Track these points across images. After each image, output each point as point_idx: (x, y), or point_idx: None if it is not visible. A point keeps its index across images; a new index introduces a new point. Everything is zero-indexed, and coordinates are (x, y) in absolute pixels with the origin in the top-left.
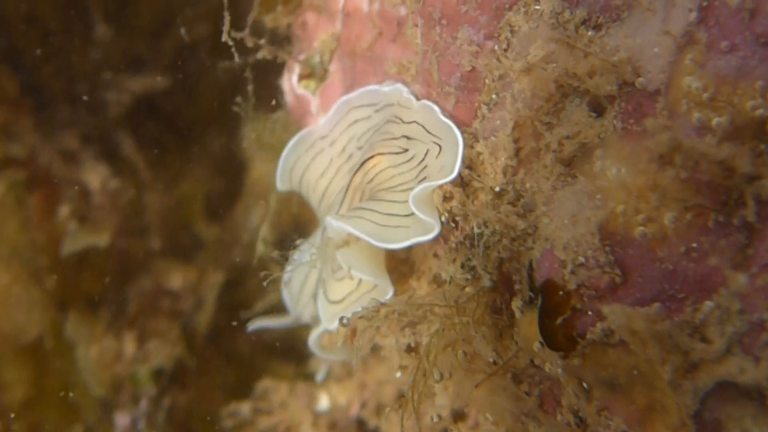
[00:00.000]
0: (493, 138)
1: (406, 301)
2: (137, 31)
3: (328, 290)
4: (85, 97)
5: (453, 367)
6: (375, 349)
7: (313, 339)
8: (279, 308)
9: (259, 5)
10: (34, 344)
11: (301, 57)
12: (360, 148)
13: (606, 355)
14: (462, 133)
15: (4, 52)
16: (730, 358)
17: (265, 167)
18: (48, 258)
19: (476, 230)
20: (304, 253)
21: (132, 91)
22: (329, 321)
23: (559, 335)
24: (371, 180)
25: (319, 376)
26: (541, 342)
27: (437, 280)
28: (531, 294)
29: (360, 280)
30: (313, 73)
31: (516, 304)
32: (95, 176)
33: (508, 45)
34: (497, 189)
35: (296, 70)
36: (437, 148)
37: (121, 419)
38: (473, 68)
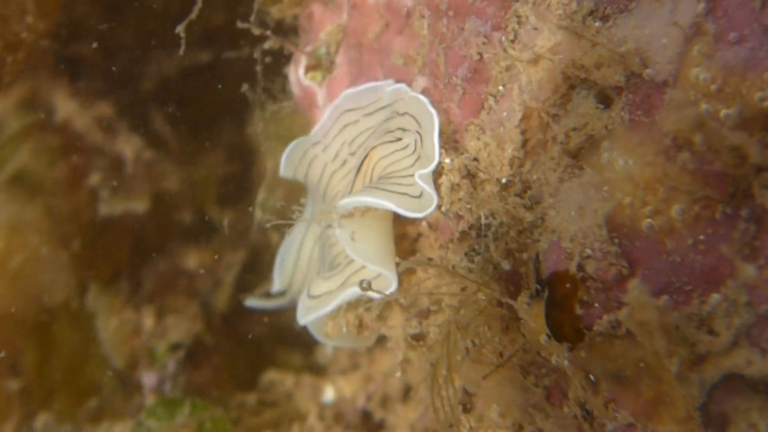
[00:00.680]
0: (500, 129)
1: (413, 291)
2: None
3: (312, 285)
4: (114, 68)
5: (461, 358)
6: (381, 341)
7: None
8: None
9: None
10: (57, 308)
11: (308, 48)
12: (353, 154)
13: (613, 348)
14: (439, 118)
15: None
16: (737, 350)
17: (272, 156)
18: (76, 224)
19: (484, 221)
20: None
21: (163, 68)
22: (302, 314)
23: (566, 327)
24: (371, 178)
25: (329, 350)
26: (548, 334)
27: (444, 272)
28: (538, 286)
29: (343, 282)
30: (320, 65)
31: (522, 300)
32: (129, 147)
33: (516, 36)
34: (504, 180)
35: (303, 61)
36: (420, 138)
37: (148, 378)
38: (480, 59)
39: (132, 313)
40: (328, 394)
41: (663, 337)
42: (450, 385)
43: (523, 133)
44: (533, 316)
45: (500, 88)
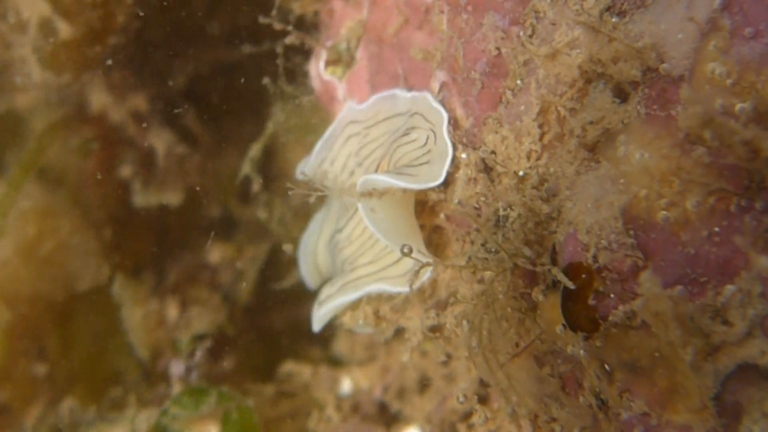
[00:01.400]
0: (517, 123)
1: (431, 283)
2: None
3: (321, 292)
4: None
5: (477, 347)
6: (399, 333)
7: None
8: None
9: None
10: (84, 296)
11: (329, 43)
12: (360, 165)
13: (628, 338)
14: (449, 114)
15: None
16: (752, 340)
17: (294, 150)
18: (106, 213)
19: (501, 212)
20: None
21: (196, 64)
22: (316, 323)
23: (582, 318)
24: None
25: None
26: (563, 324)
27: (461, 263)
28: (554, 277)
29: (343, 285)
30: (340, 60)
31: (538, 292)
32: (161, 140)
33: (533, 31)
34: (521, 173)
35: (323, 56)
36: (434, 134)
37: (176, 367)
38: (498, 54)
39: (156, 303)
40: (345, 385)
41: (678, 327)
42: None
43: (540, 126)
44: (549, 307)
45: (518, 82)
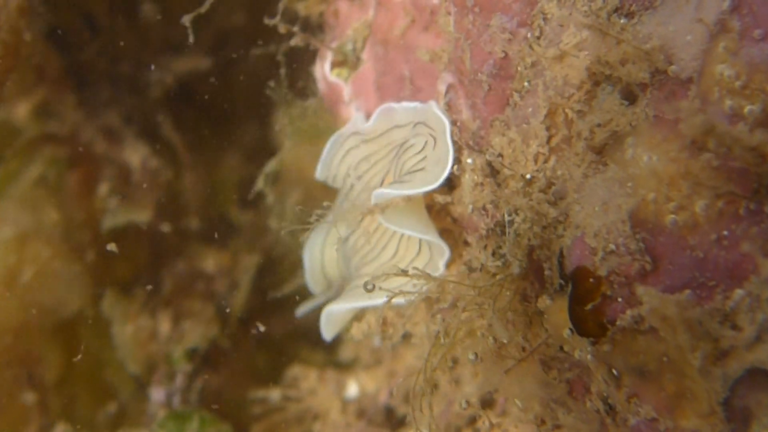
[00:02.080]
0: (524, 125)
1: (437, 287)
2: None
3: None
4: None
5: (483, 352)
6: (405, 337)
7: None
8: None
9: None
10: (72, 319)
11: (334, 45)
12: (359, 178)
13: (636, 342)
14: (454, 118)
15: (48, 32)
16: (761, 345)
17: (297, 153)
18: (88, 234)
19: (507, 217)
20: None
21: (174, 72)
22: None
23: (589, 322)
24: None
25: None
26: (571, 329)
27: (468, 267)
28: (561, 281)
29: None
30: (346, 61)
31: (545, 298)
32: (136, 155)
33: (541, 32)
34: (528, 176)
35: (329, 57)
36: (433, 140)
37: (157, 394)
38: (506, 56)
39: (148, 318)
40: (352, 389)
41: (686, 332)
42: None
43: (547, 129)
44: (556, 311)
45: (525, 84)
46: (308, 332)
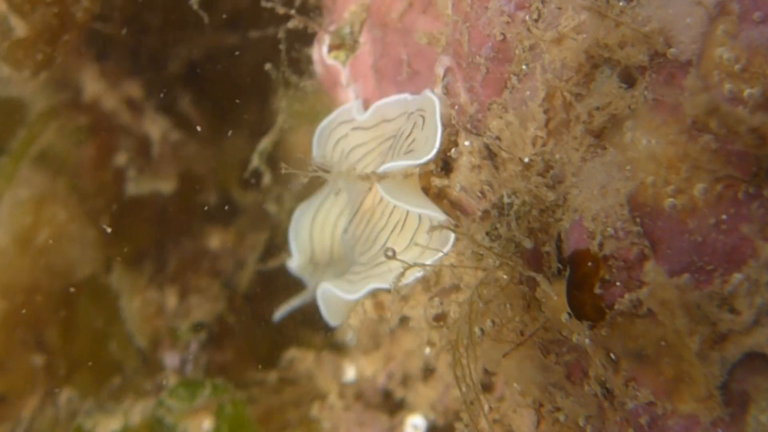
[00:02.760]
0: (522, 108)
1: (434, 270)
2: None
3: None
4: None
5: (480, 336)
6: (402, 321)
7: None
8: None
9: None
10: (83, 284)
11: (332, 28)
12: (353, 168)
13: (634, 326)
14: (440, 100)
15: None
16: (759, 329)
17: (296, 135)
18: (103, 201)
19: (506, 200)
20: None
21: (199, 47)
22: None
23: (588, 306)
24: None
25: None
26: (569, 313)
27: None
28: (559, 265)
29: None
30: (344, 44)
31: (542, 287)
32: (156, 127)
33: (539, 15)
34: (526, 160)
35: (326, 41)
36: (422, 119)
37: (171, 359)
38: (504, 39)
39: (155, 292)
40: (349, 372)
41: (684, 315)
42: (471, 361)
43: (546, 112)
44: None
45: (523, 67)
46: (309, 314)
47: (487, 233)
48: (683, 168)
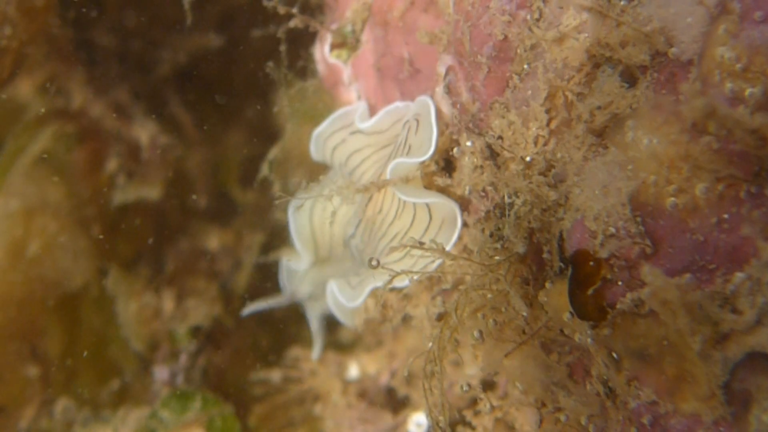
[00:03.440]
0: (524, 108)
1: (437, 268)
2: None
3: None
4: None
5: (483, 334)
6: (405, 319)
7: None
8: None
9: None
10: (77, 294)
11: (334, 26)
12: (351, 173)
13: (636, 326)
14: (435, 106)
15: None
16: (761, 328)
17: (298, 134)
18: (95, 209)
19: (507, 200)
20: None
21: (184, 50)
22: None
23: (590, 305)
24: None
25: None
26: (571, 312)
27: (467, 250)
28: (561, 264)
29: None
30: (345, 43)
31: (544, 286)
32: (144, 132)
33: (541, 14)
34: (528, 159)
35: (328, 39)
36: (416, 122)
37: (160, 373)
38: (505, 38)
39: (152, 296)
40: (353, 371)
41: (686, 315)
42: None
43: (547, 111)
44: (557, 294)
45: (525, 66)
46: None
47: (490, 233)
48: (685, 167)
